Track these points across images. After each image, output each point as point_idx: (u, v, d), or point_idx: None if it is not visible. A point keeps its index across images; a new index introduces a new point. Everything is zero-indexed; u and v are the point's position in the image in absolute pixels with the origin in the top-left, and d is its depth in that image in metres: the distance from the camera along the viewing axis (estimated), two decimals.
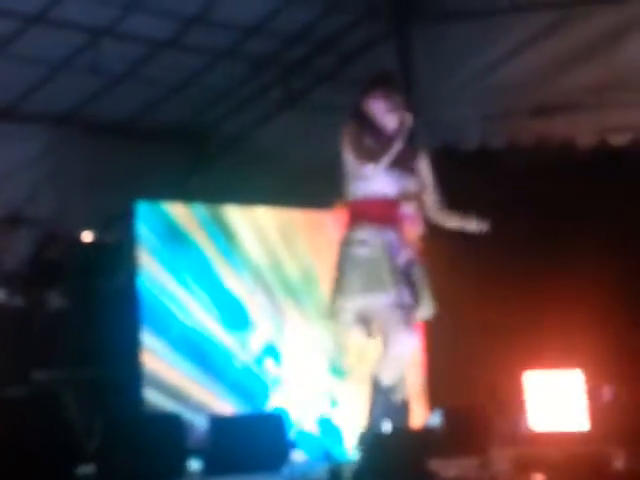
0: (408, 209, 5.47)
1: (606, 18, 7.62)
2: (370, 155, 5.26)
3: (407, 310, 5.36)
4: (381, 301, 5.28)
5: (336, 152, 5.57)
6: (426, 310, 5.47)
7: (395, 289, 5.27)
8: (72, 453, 4.63)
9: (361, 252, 5.29)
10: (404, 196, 5.41)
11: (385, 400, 5.31)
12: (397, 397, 5.35)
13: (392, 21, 8.36)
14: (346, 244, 5.35)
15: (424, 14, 8.28)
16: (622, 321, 7.77)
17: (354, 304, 5.30)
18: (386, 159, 5.25)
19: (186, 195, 8.27)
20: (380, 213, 5.33)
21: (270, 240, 7.63)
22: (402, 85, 5.66)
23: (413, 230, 5.47)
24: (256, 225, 7.62)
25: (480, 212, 8.06)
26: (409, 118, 5.32)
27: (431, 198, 5.54)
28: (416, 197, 5.47)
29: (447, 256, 7.76)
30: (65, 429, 4.63)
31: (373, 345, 5.52)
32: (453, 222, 5.60)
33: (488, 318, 8.16)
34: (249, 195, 7.88)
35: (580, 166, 8.21)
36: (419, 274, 5.44)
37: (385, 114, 5.39)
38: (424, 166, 5.56)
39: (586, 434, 5.25)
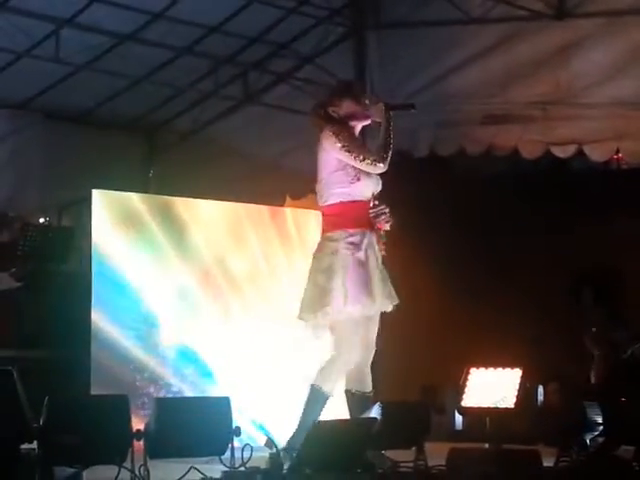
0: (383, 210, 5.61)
1: (554, 34, 7.87)
2: (377, 154, 5.35)
3: (374, 319, 5.54)
4: (367, 308, 5.41)
5: (289, 150, 5.73)
6: (388, 304, 5.61)
7: (380, 297, 5.43)
8: (17, 431, 4.66)
9: (359, 256, 5.39)
10: (375, 196, 5.54)
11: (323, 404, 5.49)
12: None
13: (350, 25, 8.56)
14: (338, 248, 5.41)
15: (382, 21, 8.48)
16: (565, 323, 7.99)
17: (357, 308, 5.38)
18: (388, 159, 5.41)
19: (141, 186, 8.41)
20: (362, 215, 5.44)
21: (219, 234, 7.74)
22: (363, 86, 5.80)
23: (384, 229, 5.62)
24: (206, 218, 7.72)
25: (430, 215, 8.29)
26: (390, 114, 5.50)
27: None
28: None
29: (398, 255, 7.95)
30: (11, 406, 4.67)
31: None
32: None
33: (434, 317, 8.38)
34: (202, 188, 8.01)
35: (524, 176, 8.48)
36: (385, 270, 5.58)
37: (359, 114, 5.55)
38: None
39: (512, 409, 5.46)
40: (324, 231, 5.50)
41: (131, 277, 7.25)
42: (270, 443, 5.20)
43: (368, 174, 5.43)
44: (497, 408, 5.56)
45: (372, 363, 7.90)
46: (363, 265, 5.39)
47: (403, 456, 5.40)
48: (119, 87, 8.50)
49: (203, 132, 9.07)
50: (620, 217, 8.53)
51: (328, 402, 5.49)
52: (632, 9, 7.56)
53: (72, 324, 7.17)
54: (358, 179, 5.41)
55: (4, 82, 8.02)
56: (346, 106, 5.53)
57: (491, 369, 5.68)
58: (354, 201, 5.45)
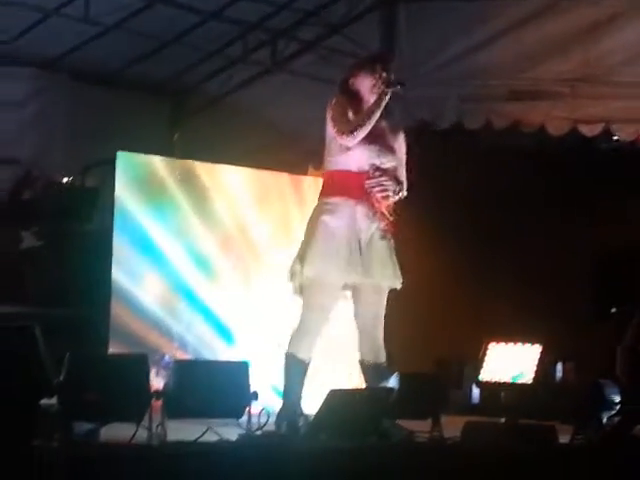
0: (380, 183, 5.61)
1: (586, 11, 7.81)
2: (349, 127, 5.43)
3: (377, 294, 5.56)
4: (337, 277, 5.46)
5: (314, 119, 5.73)
6: (393, 281, 5.65)
7: (351, 266, 5.45)
8: (37, 386, 4.71)
9: (330, 223, 5.45)
10: (381, 171, 5.55)
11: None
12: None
13: None
14: (318, 213, 5.51)
15: None
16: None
17: (314, 273, 5.45)
18: (362, 131, 5.41)
19: (165, 150, 8.42)
20: (353, 186, 5.48)
21: (241, 200, 7.77)
22: (391, 59, 5.78)
23: (385, 203, 5.61)
24: (230, 184, 7.75)
25: (451, 187, 8.29)
26: (390, 94, 5.49)
27: (401, 172, 5.70)
28: (391, 173, 5.60)
29: (417, 228, 7.96)
30: (33, 361, 4.70)
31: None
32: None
33: (453, 290, 8.39)
34: (226, 154, 8.02)
35: (550, 153, 8.45)
36: (387, 246, 5.60)
37: (371, 92, 5.55)
38: (402, 146, 5.72)
39: (530, 385, 5.49)
40: (318, 197, 5.60)
41: (153, 239, 7.29)
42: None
43: (364, 145, 5.45)
44: (514, 383, 5.57)
45: (387, 337, 7.95)
46: (333, 234, 5.41)
47: (419, 427, 5.42)
48: (147, 49, 8.49)
49: (229, 98, 9.05)
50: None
51: (309, 368, 5.52)
52: None
53: (93, 283, 7.22)
54: (348, 149, 5.44)
55: (32, 41, 8.02)
56: (360, 79, 5.56)
57: (511, 344, 5.69)
58: (344, 170, 5.48)
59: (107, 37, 8.20)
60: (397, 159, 5.65)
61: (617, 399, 5.85)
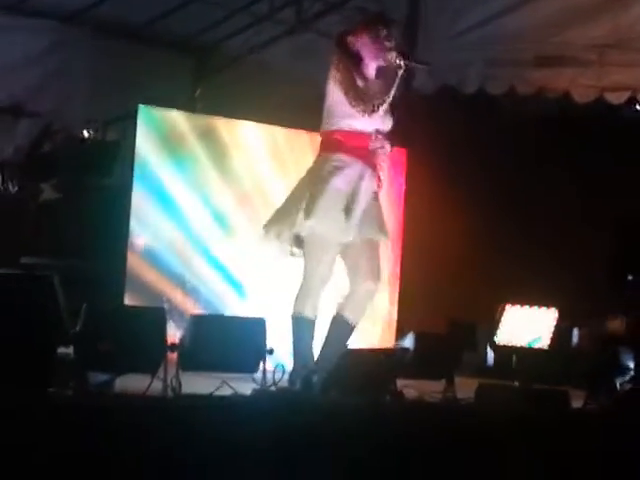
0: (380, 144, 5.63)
1: None
2: (364, 100, 5.41)
3: (371, 250, 5.56)
4: (344, 236, 5.48)
5: None
6: (387, 237, 5.71)
7: (358, 225, 5.48)
8: (54, 334, 4.74)
9: (339, 181, 5.48)
10: (382, 134, 5.59)
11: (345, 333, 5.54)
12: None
13: None
14: (326, 169, 5.53)
15: None
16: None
17: (320, 228, 5.48)
18: (380, 110, 5.44)
19: (187, 106, 8.39)
20: (361, 146, 5.52)
21: (260, 157, 7.75)
22: (399, 31, 5.74)
23: (382, 165, 5.64)
24: (251, 141, 7.73)
25: (473, 151, 8.26)
26: (403, 65, 5.47)
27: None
28: (387, 136, 5.64)
29: (434, 190, 7.95)
30: (50, 310, 4.74)
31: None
32: None
33: (469, 252, 8.39)
34: (248, 112, 7.98)
35: (575, 120, 8.38)
36: (379, 206, 5.69)
37: (374, 57, 5.53)
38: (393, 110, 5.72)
39: (545, 350, 5.48)
40: (317, 154, 5.60)
41: (171, 193, 7.30)
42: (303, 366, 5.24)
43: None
44: (529, 347, 5.57)
45: (402, 299, 7.96)
46: (341, 192, 5.42)
47: (433, 387, 5.43)
48: (172, 5, 8.45)
49: (253, 56, 9.01)
50: None
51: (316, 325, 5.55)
52: None
53: (110, 237, 7.23)
54: (356, 116, 5.46)
55: None
56: (362, 40, 5.53)
57: (526, 307, 5.69)
58: (350, 131, 5.51)
59: None
60: (391, 122, 5.67)
61: (631, 365, 5.84)
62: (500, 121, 8.74)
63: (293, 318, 5.55)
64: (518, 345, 5.56)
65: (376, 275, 5.62)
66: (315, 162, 5.64)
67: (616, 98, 7.80)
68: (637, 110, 8.06)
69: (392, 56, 5.48)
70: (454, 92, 8.34)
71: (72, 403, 4.38)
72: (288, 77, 8.66)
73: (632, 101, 7.81)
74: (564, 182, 8.61)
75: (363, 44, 5.55)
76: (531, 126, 8.60)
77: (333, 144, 5.56)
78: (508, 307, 5.64)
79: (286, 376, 5.31)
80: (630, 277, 7.44)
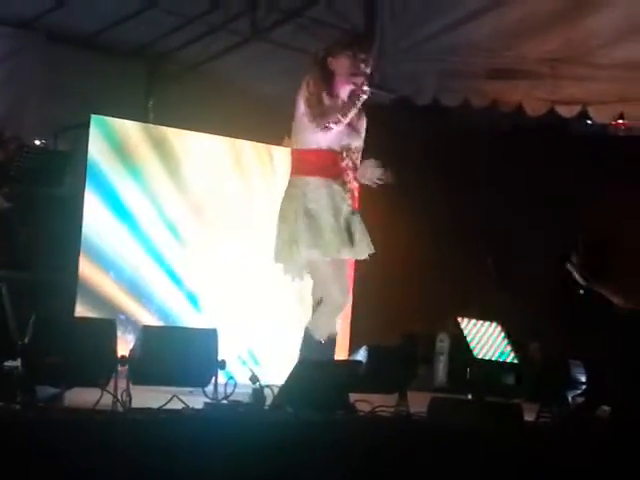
0: (350, 162, 5.64)
1: None
2: (324, 121, 5.42)
3: (341, 267, 5.57)
4: (321, 257, 5.50)
5: (292, 90, 5.70)
6: (364, 253, 5.67)
7: (335, 247, 5.49)
8: (2, 346, 4.66)
9: (313, 206, 5.48)
10: (347, 151, 5.59)
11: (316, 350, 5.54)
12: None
13: None
14: (297, 195, 5.52)
15: None
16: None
17: (302, 255, 5.49)
18: (336, 128, 5.45)
19: (140, 115, 8.34)
20: (329, 164, 5.52)
21: (214, 167, 7.73)
22: (371, 47, 5.76)
23: (354, 181, 5.65)
24: (203, 152, 7.71)
25: (427, 162, 8.26)
26: (368, 81, 5.49)
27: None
28: (357, 153, 5.66)
29: (384, 205, 7.95)
30: None
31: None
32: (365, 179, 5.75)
33: (419, 263, 8.41)
34: (201, 122, 7.95)
35: (527, 132, 8.44)
36: (359, 219, 5.66)
37: (347, 78, 5.54)
38: (363, 125, 5.73)
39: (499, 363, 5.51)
40: (292, 174, 5.59)
41: (124, 203, 7.26)
42: (254, 378, 5.20)
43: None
44: (483, 360, 5.57)
45: (356, 312, 7.94)
46: (319, 216, 5.46)
47: (386, 402, 5.41)
48: (125, 12, 8.39)
49: (207, 66, 8.98)
50: (614, 184, 8.53)
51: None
52: None
53: (62, 248, 7.17)
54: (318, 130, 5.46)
55: (7, 0, 7.91)
56: (340, 62, 5.54)
57: (475, 321, 5.69)
58: (317, 149, 5.50)
59: None
60: (360, 139, 5.69)
61: (582, 378, 5.87)
62: (454, 132, 8.77)
63: (305, 330, 5.58)
64: (490, 359, 5.55)
65: (345, 290, 5.63)
66: (288, 185, 5.61)
67: (567, 111, 7.86)
68: (587, 124, 8.13)
69: (359, 80, 5.50)
70: (409, 103, 8.35)
71: (20, 417, 4.31)
72: (242, 87, 8.64)
73: (583, 115, 7.86)
74: (515, 193, 8.67)
75: (339, 64, 5.55)
76: (484, 137, 8.64)
77: (301, 164, 5.56)
78: (461, 320, 5.63)
79: (237, 389, 5.27)
80: (581, 292, 7.48)
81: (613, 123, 8.46)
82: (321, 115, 5.44)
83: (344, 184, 5.57)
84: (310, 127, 5.48)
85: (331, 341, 5.64)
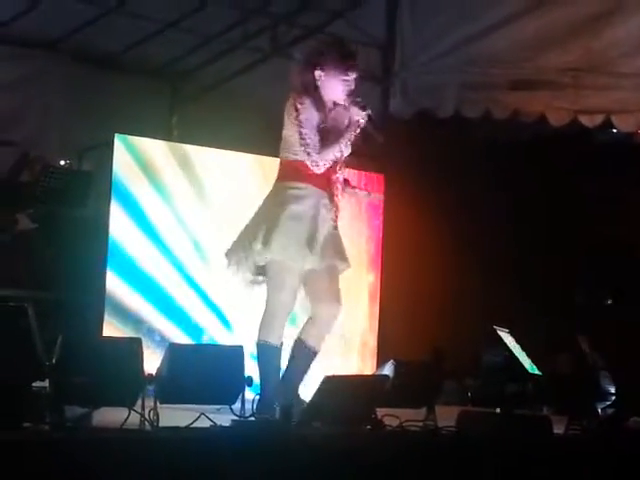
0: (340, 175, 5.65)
1: (590, 1, 7.77)
2: (314, 150, 5.45)
3: (332, 275, 5.56)
4: (306, 263, 5.50)
5: None
6: (345, 265, 5.70)
7: (320, 253, 5.49)
8: (30, 367, 4.68)
9: (297, 209, 5.50)
10: (340, 164, 5.62)
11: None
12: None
13: None
14: (283, 196, 5.55)
15: None
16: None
17: (281, 255, 5.50)
18: (330, 161, 5.46)
19: (164, 134, 8.38)
20: (319, 175, 5.53)
21: (239, 185, 7.74)
22: (360, 60, 5.72)
23: (340, 195, 5.66)
24: (227, 169, 7.72)
25: (449, 175, 8.25)
26: (362, 108, 5.48)
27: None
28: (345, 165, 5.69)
29: (409, 218, 7.95)
30: (26, 343, 4.68)
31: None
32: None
33: (446, 277, 8.38)
34: (224, 139, 7.98)
35: (550, 143, 8.42)
36: (339, 235, 5.68)
37: (335, 96, 5.53)
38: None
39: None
40: (276, 180, 5.61)
41: (150, 223, 7.27)
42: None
43: None
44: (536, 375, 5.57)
45: (383, 327, 7.94)
46: (300, 219, 5.45)
47: (413, 416, 5.39)
48: (147, 32, 8.44)
49: (229, 83, 9.02)
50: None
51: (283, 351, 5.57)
52: None
53: (87, 268, 7.18)
54: None
55: (32, 22, 7.96)
56: (331, 78, 5.54)
57: (505, 332, 5.68)
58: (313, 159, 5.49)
59: (108, 19, 8.15)
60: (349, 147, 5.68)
61: (612, 390, 5.84)
62: (477, 144, 8.76)
63: (258, 346, 5.54)
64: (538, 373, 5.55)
65: (337, 299, 5.63)
66: (272, 190, 5.65)
67: (590, 121, 7.85)
68: (612, 132, 8.10)
69: (355, 111, 5.50)
70: (431, 116, 8.36)
71: (49, 438, 4.32)
72: (264, 103, 8.64)
73: (606, 124, 7.84)
74: (539, 205, 8.65)
75: (327, 81, 5.54)
76: (506, 149, 8.63)
77: (291, 172, 5.57)
78: (499, 332, 5.63)
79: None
80: (609, 301, 7.47)
81: (638, 131, 8.44)
82: (314, 149, 5.45)
83: (332, 197, 5.57)
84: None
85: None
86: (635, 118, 7.74)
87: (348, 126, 5.54)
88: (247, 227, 5.68)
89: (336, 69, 5.52)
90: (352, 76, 5.55)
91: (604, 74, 7.69)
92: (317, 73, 5.56)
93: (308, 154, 5.45)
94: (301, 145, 5.46)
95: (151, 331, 7.14)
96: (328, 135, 5.52)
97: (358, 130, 5.53)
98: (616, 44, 7.70)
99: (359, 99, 5.55)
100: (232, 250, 5.68)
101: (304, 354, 5.57)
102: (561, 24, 7.82)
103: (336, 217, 5.64)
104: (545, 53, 7.90)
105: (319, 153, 5.45)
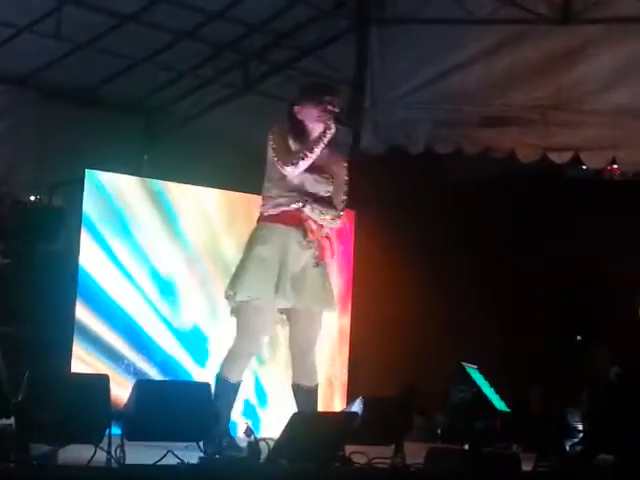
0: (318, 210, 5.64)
1: (558, 38, 7.85)
2: (291, 159, 5.46)
3: (308, 315, 5.60)
4: (278, 303, 5.52)
5: None
6: (326, 306, 5.68)
7: (293, 292, 5.49)
8: None
9: (262, 252, 5.51)
10: (317, 199, 5.60)
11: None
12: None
13: (353, 19, 8.55)
14: (251, 239, 5.60)
15: (385, 16, 8.46)
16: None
17: (245, 297, 5.51)
18: (304, 164, 5.48)
19: (135, 169, 8.38)
20: (289, 212, 5.53)
21: (210, 221, 7.74)
22: (337, 91, 5.77)
23: (319, 229, 5.63)
24: (198, 205, 7.72)
25: (419, 212, 8.28)
26: (335, 127, 5.52)
27: (338, 199, 5.70)
28: (328, 200, 5.64)
29: (380, 253, 7.97)
30: None
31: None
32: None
33: (415, 313, 8.40)
34: (196, 174, 7.98)
35: (520, 179, 8.47)
36: (321, 273, 5.64)
37: (316, 122, 5.57)
38: (342, 171, 5.73)
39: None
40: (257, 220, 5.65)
41: (118, 258, 7.25)
42: (249, 432, 5.18)
43: (302, 174, 5.52)
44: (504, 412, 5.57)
45: (356, 363, 7.93)
46: (264, 261, 5.48)
47: (382, 453, 5.38)
48: (119, 68, 8.47)
49: (201, 118, 9.05)
50: (609, 227, 8.56)
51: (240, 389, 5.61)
52: (636, 16, 7.54)
53: (57, 303, 7.16)
54: (285, 176, 5.50)
55: (3, 57, 7.98)
56: (306, 110, 5.58)
57: (471, 367, 5.69)
58: (283, 196, 5.52)
59: (79, 55, 8.18)
60: (335, 186, 5.68)
61: (580, 427, 5.85)
62: (448, 180, 8.81)
63: (217, 380, 5.54)
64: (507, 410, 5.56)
65: (312, 344, 5.63)
66: (254, 229, 5.68)
67: (559, 158, 7.89)
68: (581, 169, 8.16)
69: (325, 117, 5.53)
70: (402, 152, 8.39)
71: (14, 476, 4.29)
72: (235, 139, 8.69)
73: (575, 161, 7.89)
74: (507, 243, 8.69)
75: (306, 112, 5.60)
76: (476, 186, 8.68)
77: (263, 211, 5.62)
78: (468, 368, 5.63)
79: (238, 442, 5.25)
80: (579, 337, 7.49)
81: (608, 168, 8.51)
82: (288, 155, 5.47)
83: (306, 232, 5.57)
84: (277, 174, 5.52)
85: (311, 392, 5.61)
86: (604, 155, 7.78)
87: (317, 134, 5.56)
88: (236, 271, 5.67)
89: (312, 103, 5.56)
90: (327, 101, 5.57)
91: (572, 111, 7.74)
92: (295, 109, 5.61)
93: (279, 160, 5.45)
94: (276, 156, 5.47)
95: (129, 365, 7.13)
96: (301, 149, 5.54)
97: (327, 136, 5.52)
98: (584, 81, 7.75)
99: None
100: (227, 289, 5.69)
101: (304, 395, 5.58)
102: (530, 62, 7.88)
103: (319, 253, 5.61)
104: (514, 90, 7.95)
105: (289, 155, 5.45)
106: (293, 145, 5.55)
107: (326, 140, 5.53)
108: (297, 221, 5.56)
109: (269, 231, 5.54)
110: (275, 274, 5.49)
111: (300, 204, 5.53)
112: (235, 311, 5.63)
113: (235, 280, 5.56)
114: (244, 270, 5.53)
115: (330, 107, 5.55)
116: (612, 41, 7.69)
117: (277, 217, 5.55)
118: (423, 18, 8.25)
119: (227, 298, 5.63)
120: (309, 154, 5.48)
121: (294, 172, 5.49)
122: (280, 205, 5.54)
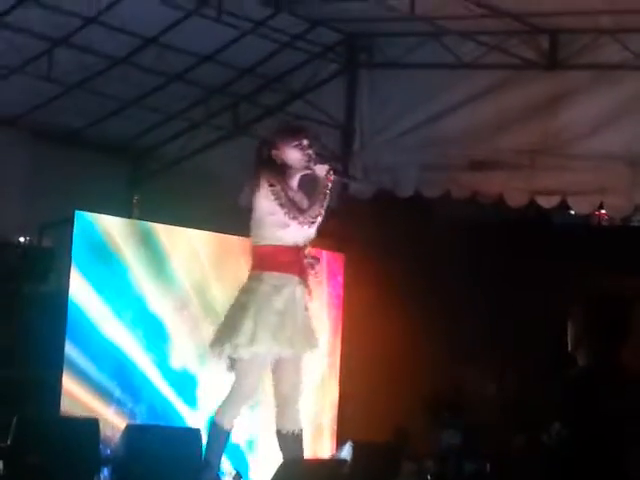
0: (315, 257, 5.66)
1: (545, 84, 7.91)
2: (300, 212, 5.42)
3: (297, 365, 5.57)
4: (285, 354, 5.47)
5: None
6: (312, 349, 5.63)
7: (289, 340, 5.45)
8: None
9: (278, 302, 5.43)
10: (306, 243, 5.59)
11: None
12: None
13: (343, 63, 8.63)
14: (261, 288, 5.46)
15: (374, 60, 8.54)
16: None
17: (264, 349, 5.42)
18: (319, 219, 5.46)
19: (125, 210, 8.39)
20: (293, 260, 5.49)
21: (200, 263, 7.73)
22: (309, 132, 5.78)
23: (309, 274, 5.63)
24: (188, 247, 7.72)
25: (407, 253, 8.28)
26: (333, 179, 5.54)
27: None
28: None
29: (369, 296, 7.97)
30: None
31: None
32: None
33: (404, 358, 8.38)
34: (186, 217, 7.98)
35: (507, 224, 8.51)
36: (308, 316, 5.61)
37: (300, 168, 5.56)
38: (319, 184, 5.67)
39: None
40: (251, 269, 5.55)
41: (108, 302, 7.22)
42: (238, 477, 5.18)
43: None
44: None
45: (345, 406, 7.90)
46: (280, 312, 5.42)
47: None
48: (109, 110, 8.50)
49: (190, 161, 9.07)
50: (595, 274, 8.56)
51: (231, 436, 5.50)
52: (622, 63, 7.61)
53: (46, 346, 7.11)
54: (288, 225, 5.44)
55: None
56: (288, 153, 5.52)
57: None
58: (281, 245, 5.47)
59: (69, 96, 8.21)
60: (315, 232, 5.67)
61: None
62: (436, 224, 8.84)
63: (212, 425, 5.49)
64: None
65: (298, 389, 5.60)
66: (250, 280, 5.57)
67: (547, 202, 7.93)
68: (569, 214, 8.20)
69: (323, 169, 5.51)
70: (391, 196, 8.43)
71: None
72: (224, 182, 8.69)
73: (563, 205, 7.93)
74: (499, 286, 8.69)
75: (287, 155, 5.56)
76: (467, 230, 8.70)
77: (267, 260, 5.53)
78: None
79: None
80: None
81: (596, 213, 8.55)
82: (299, 211, 5.46)
83: (306, 280, 5.55)
84: (275, 223, 5.45)
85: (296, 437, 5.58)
86: (590, 199, 7.82)
87: (318, 184, 5.53)
88: (228, 318, 5.55)
89: (292, 145, 5.54)
90: (305, 142, 5.56)
91: (559, 155, 7.79)
92: (273, 152, 5.57)
93: (294, 218, 5.43)
94: (285, 214, 5.43)
95: (119, 405, 7.06)
96: (296, 197, 5.52)
97: (330, 184, 5.51)
98: (570, 126, 7.81)
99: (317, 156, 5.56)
100: (215, 340, 5.58)
101: (289, 440, 5.52)
102: (518, 106, 7.94)
103: (308, 297, 5.58)
104: (502, 134, 8.00)
105: (304, 213, 5.43)
106: (291, 194, 5.51)
107: (329, 194, 5.52)
108: (301, 268, 5.48)
109: (280, 280, 5.43)
110: (284, 324, 5.42)
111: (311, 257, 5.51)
112: (233, 360, 5.55)
113: (255, 332, 5.39)
114: (261, 326, 5.38)
115: (309, 150, 5.54)
116: (598, 87, 7.76)
117: (283, 265, 5.44)
118: (412, 62, 8.31)
119: (241, 350, 5.43)
120: (322, 211, 5.46)
121: (310, 230, 5.47)
122: (284, 253, 5.44)
